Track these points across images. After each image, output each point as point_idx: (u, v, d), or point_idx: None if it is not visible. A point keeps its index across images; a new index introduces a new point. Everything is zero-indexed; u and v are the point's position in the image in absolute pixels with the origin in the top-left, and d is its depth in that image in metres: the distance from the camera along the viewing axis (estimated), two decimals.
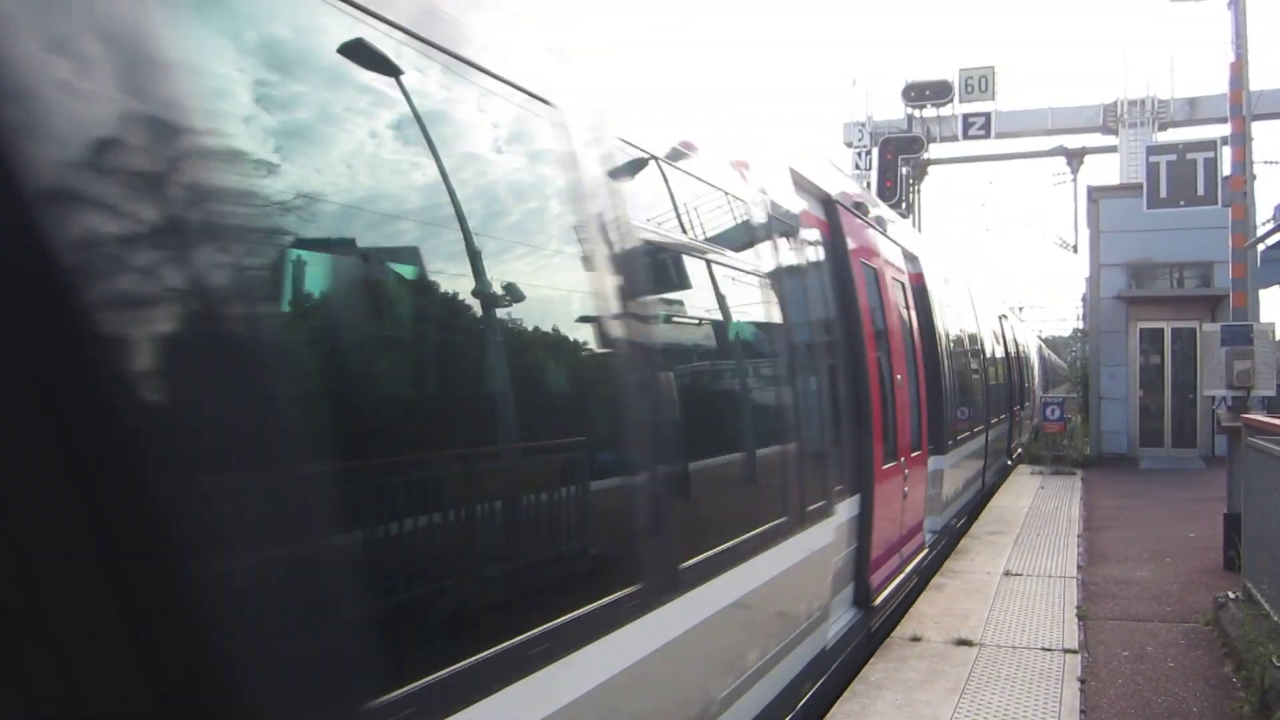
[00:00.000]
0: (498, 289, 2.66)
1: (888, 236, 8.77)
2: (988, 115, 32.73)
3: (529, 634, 2.52)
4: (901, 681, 6.36)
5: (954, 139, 33.32)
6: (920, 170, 34.46)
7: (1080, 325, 47.91)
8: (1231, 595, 7.97)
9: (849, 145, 34.13)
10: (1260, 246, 12.78)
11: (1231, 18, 14.41)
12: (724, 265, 4.48)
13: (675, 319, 3.93)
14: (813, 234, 6.16)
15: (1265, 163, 19.86)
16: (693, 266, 4.17)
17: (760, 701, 4.50)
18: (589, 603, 2.83)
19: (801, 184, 6.08)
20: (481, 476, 2.57)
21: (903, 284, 9.06)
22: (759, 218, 4.98)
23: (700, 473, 3.82)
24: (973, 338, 14.36)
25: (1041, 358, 39.59)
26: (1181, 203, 16.93)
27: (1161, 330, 22.25)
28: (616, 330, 3.20)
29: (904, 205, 30.51)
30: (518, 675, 2.44)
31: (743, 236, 4.78)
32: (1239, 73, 14.25)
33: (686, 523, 3.59)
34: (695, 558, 3.59)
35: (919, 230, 22.17)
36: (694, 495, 3.74)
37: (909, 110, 33.44)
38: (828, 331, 6.06)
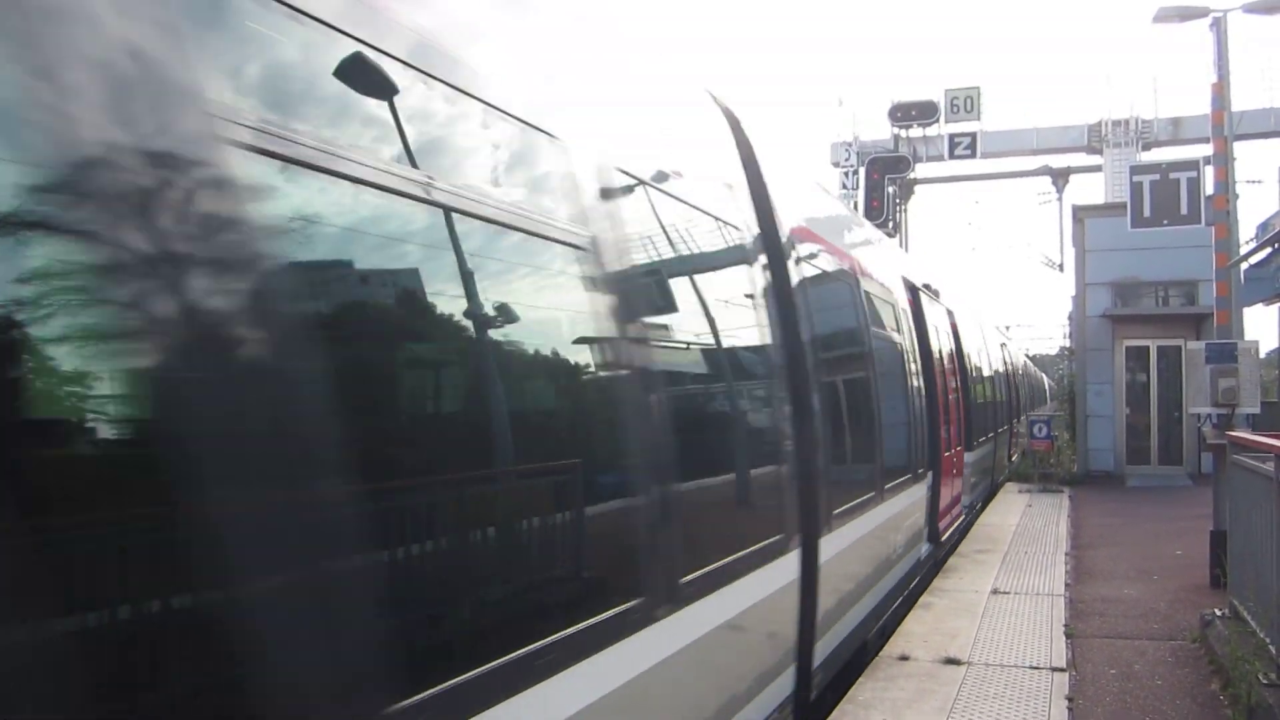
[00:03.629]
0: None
1: (939, 302, 12.90)
2: (973, 135, 32.93)
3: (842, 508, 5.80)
4: (889, 701, 6.33)
5: (940, 159, 33.49)
6: (907, 190, 34.64)
7: (1067, 343, 48.14)
8: (1218, 613, 7.98)
9: (836, 165, 34.24)
10: (1244, 265, 12.87)
11: (1214, 40, 14.58)
12: (898, 335, 8.81)
13: (888, 373, 8.08)
14: (913, 309, 10.23)
15: (1247, 182, 19.93)
16: (891, 337, 8.47)
17: (899, 575, 8.31)
18: (869, 491, 6.44)
19: (905, 282, 10.22)
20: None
21: (947, 331, 13.06)
22: (902, 306, 9.57)
23: (886, 444, 7.46)
24: (986, 363, 18.29)
25: (1030, 376, 39.70)
26: (1165, 222, 17.04)
27: (1147, 348, 22.35)
28: (868, 372, 7.20)
29: (891, 225, 30.60)
30: (836, 526, 5.66)
31: (899, 317, 9.06)
32: (1221, 93, 14.41)
33: (887, 467, 7.32)
34: (892, 483, 7.42)
35: (906, 250, 22.49)
36: (890, 455, 7.61)
37: (895, 130, 33.57)
38: (919, 364, 9.89)
